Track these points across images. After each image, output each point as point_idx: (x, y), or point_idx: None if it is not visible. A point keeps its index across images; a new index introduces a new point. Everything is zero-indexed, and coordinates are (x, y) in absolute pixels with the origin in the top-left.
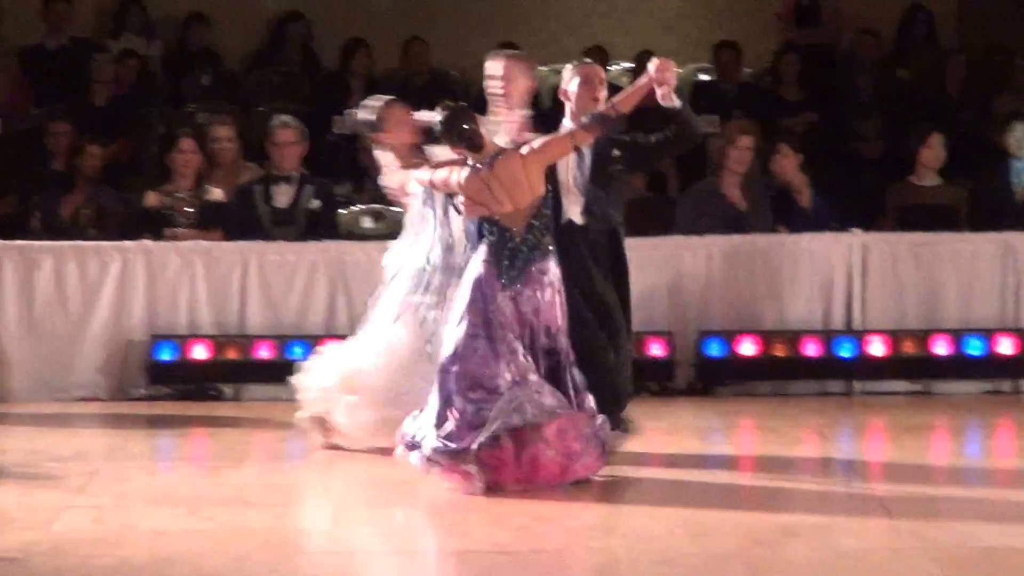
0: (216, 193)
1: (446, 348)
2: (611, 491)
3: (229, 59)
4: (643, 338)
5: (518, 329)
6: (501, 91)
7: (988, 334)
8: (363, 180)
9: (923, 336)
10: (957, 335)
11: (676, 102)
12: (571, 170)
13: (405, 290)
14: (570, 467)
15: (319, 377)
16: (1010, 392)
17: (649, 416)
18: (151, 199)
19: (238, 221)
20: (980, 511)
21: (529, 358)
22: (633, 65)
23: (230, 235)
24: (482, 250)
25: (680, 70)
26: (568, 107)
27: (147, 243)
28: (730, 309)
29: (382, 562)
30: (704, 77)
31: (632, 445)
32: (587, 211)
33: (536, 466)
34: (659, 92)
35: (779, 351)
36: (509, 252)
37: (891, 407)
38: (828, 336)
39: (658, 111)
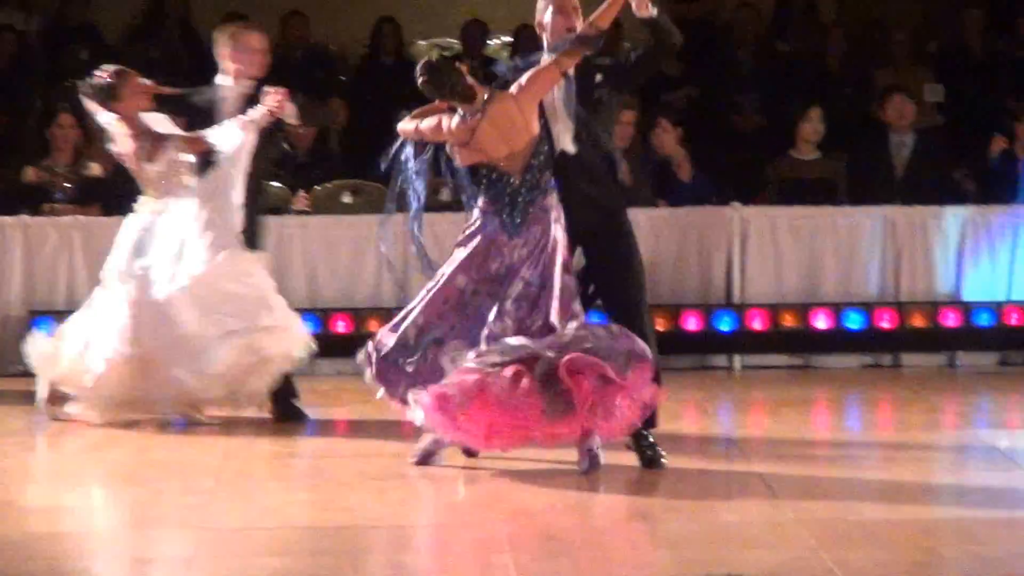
0: (95, 168)
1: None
2: (491, 465)
3: (108, 34)
4: None
5: (529, 272)
6: (577, 24)
7: (868, 308)
8: None
9: (803, 310)
10: (837, 309)
11: (652, 11)
12: (557, 99)
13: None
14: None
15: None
16: (890, 366)
17: None
18: (29, 174)
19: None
20: (857, 485)
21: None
22: (512, 39)
23: (109, 210)
24: (481, 201)
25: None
26: (544, 38)
27: (25, 218)
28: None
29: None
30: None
31: None
32: (577, 138)
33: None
34: (634, 2)
35: (659, 325)
36: (509, 197)
37: (771, 381)
38: (708, 310)
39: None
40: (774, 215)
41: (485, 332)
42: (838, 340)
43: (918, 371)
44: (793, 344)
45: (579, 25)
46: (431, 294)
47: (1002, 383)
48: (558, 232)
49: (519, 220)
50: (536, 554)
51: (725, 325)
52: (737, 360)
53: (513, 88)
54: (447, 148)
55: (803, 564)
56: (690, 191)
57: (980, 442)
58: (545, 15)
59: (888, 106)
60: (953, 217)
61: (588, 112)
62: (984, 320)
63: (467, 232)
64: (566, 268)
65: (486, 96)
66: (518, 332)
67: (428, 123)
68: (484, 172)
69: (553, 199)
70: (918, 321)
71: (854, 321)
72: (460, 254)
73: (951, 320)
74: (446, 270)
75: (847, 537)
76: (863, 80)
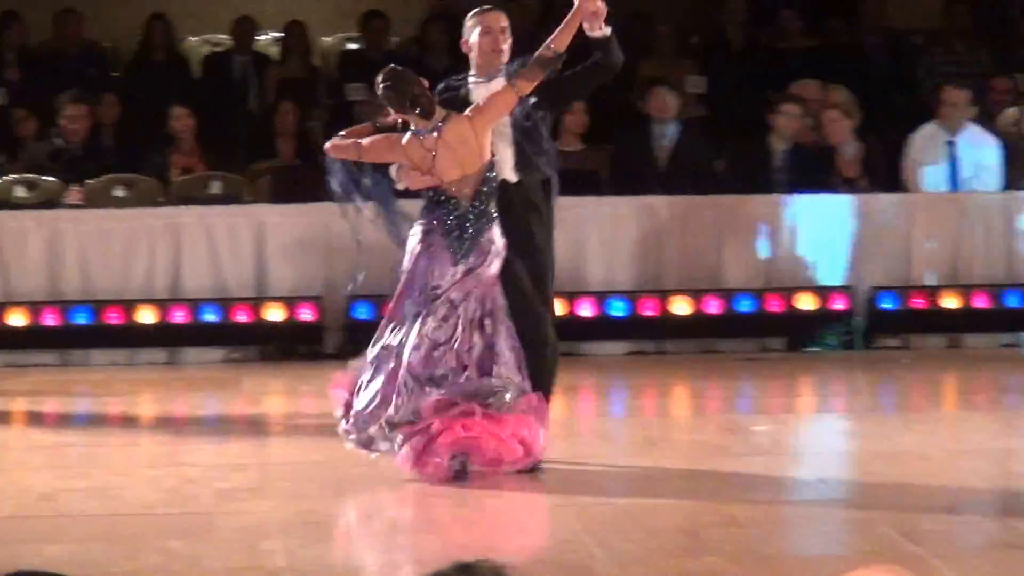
0: None
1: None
2: (260, 453)
3: None
4: (295, 303)
5: (469, 304)
6: (504, 46)
7: (631, 295)
8: (16, 150)
9: (568, 298)
10: (600, 297)
11: (606, 30)
12: (505, 124)
13: None
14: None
15: None
16: (653, 352)
17: (300, 379)
18: None
19: None
20: (622, 471)
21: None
22: (283, 35)
23: None
24: (425, 223)
25: (329, 39)
26: (472, 59)
27: None
28: (382, 273)
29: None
30: (352, 46)
31: (284, 407)
32: (517, 165)
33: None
34: (586, 25)
35: None
36: (457, 222)
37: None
38: None
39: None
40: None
41: (407, 362)
42: (600, 327)
43: (681, 358)
44: (558, 331)
45: (506, 47)
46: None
47: (762, 369)
48: (496, 267)
49: (467, 248)
50: (304, 540)
51: None
52: None
53: (468, 110)
54: (392, 171)
55: (567, 548)
56: None
57: (741, 427)
58: (472, 35)
59: (650, 98)
60: (715, 207)
61: (523, 135)
62: (745, 306)
63: (411, 255)
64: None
65: (443, 116)
66: (429, 361)
67: (373, 141)
68: (430, 194)
69: (497, 230)
70: (681, 309)
71: (617, 309)
72: (403, 279)
73: (713, 307)
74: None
75: (611, 521)
76: (627, 72)
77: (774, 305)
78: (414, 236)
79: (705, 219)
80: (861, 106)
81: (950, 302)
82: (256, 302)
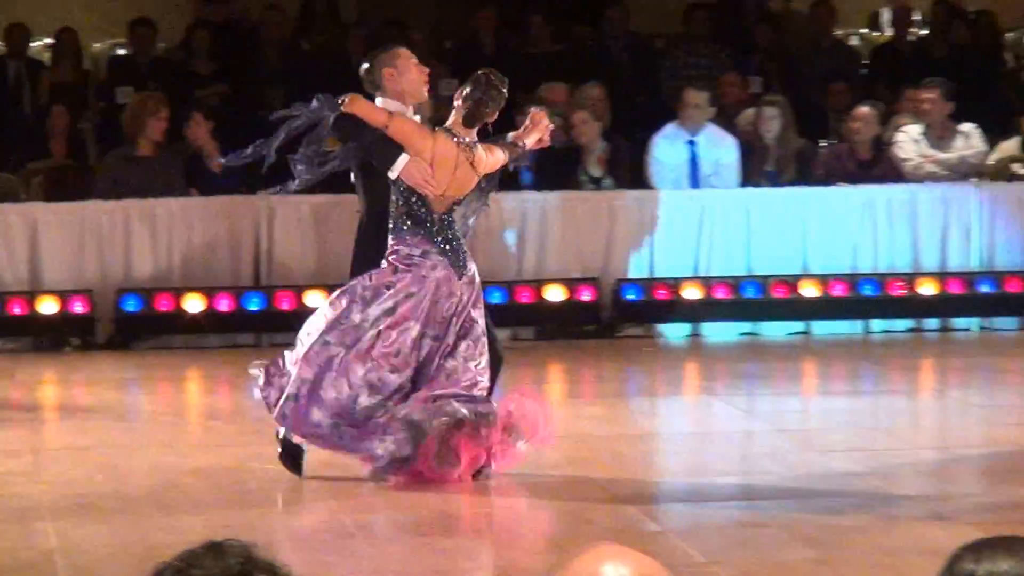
0: None
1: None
2: (33, 439)
3: None
4: (68, 296)
5: (476, 312)
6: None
7: None
8: None
9: (329, 291)
10: None
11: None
12: None
13: None
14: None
15: None
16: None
17: (73, 369)
18: None
19: None
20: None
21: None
22: (54, 41)
23: None
24: (410, 239)
25: (99, 45)
26: (402, 90)
27: None
28: (147, 267)
29: None
30: (121, 52)
31: (57, 395)
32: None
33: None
34: (533, 138)
35: (193, 307)
36: (439, 232)
37: None
38: (239, 292)
39: None
40: (298, 202)
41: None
42: None
43: None
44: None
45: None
46: (378, 349)
47: (512, 357)
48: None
49: (463, 257)
50: (74, 521)
51: (254, 305)
52: (265, 338)
53: (481, 150)
54: (399, 161)
55: (327, 527)
56: (221, 181)
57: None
58: (407, 68)
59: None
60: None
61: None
62: (497, 298)
63: (403, 275)
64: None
65: (474, 136)
66: (457, 373)
67: (405, 120)
68: (414, 200)
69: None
70: None
71: None
72: (403, 303)
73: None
74: (386, 321)
75: (368, 503)
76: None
77: (524, 296)
78: (408, 263)
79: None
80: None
81: (691, 293)
82: (30, 295)
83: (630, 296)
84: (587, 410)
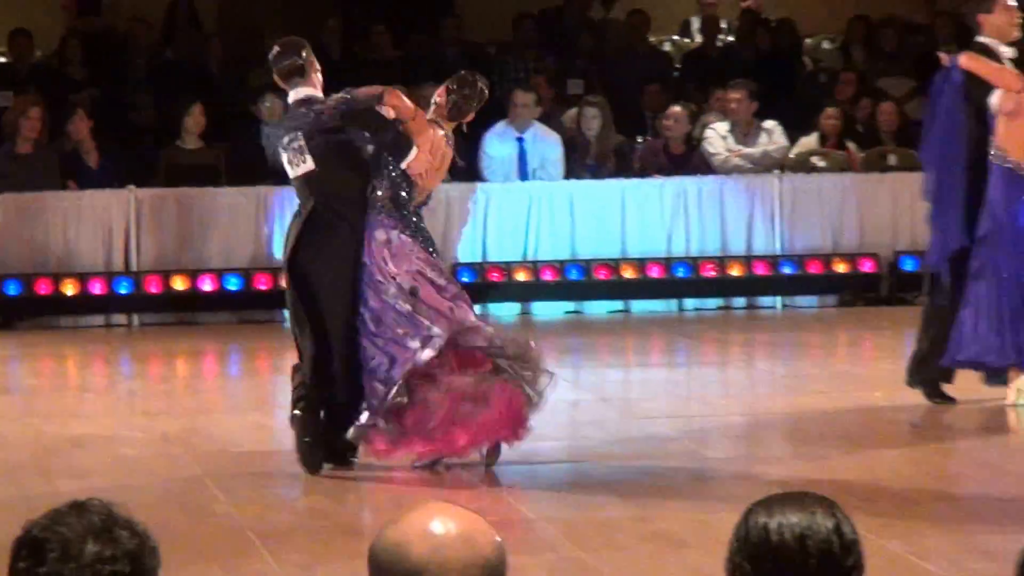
0: None
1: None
2: None
3: None
4: None
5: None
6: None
7: (246, 273)
8: None
9: (191, 275)
10: (220, 274)
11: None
12: None
13: None
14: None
15: None
16: (264, 321)
17: None
18: None
19: None
20: (243, 423)
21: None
22: None
23: None
24: (384, 218)
25: None
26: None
27: None
28: (27, 253)
29: None
30: (1, 60)
31: None
32: None
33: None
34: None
35: (70, 289)
36: (411, 218)
37: (164, 336)
38: (110, 276)
39: None
40: (163, 196)
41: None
42: (220, 300)
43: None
44: (182, 304)
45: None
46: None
47: None
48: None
49: (432, 242)
50: None
51: (124, 288)
52: (135, 318)
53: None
54: (407, 151)
55: (190, 488)
56: (98, 176)
57: None
58: None
59: (260, 103)
60: None
61: None
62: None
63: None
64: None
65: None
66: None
67: (425, 119)
68: (404, 188)
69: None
70: (261, 284)
71: (233, 284)
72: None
73: None
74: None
75: (230, 468)
76: (240, 80)
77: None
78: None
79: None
80: None
81: (521, 275)
82: None
83: (464, 279)
84: None
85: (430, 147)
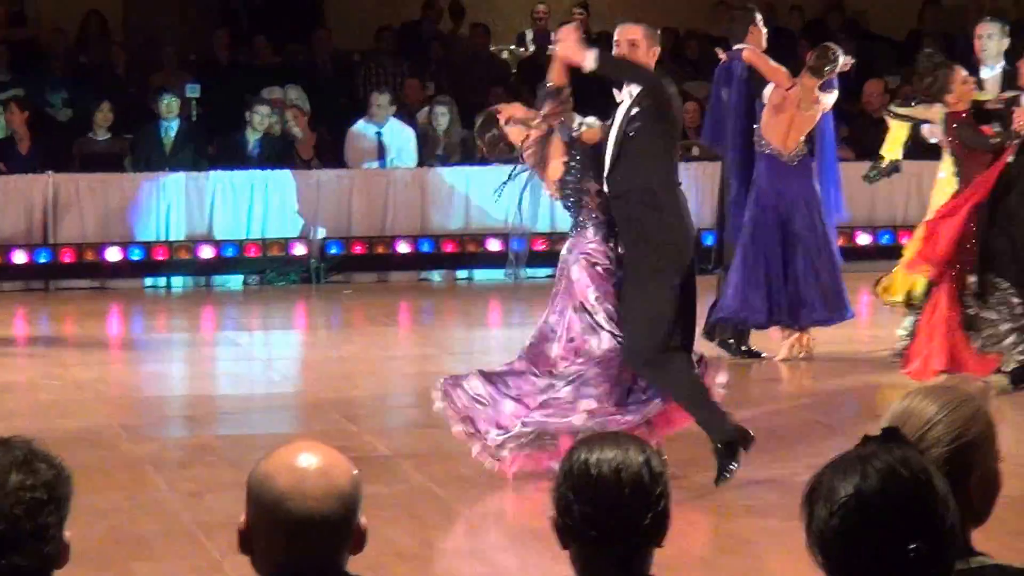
0: None
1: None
2: None
3: None
4: None
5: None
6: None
7: (147, 245)
8: None
9: (100, 247)
10: (125, 246)
11: (589, 60)
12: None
13: None
14: None
15: None
16: (161, 287)
17: None
18: None
19: None
20: (139, 372)
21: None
22: None
23: None
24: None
25: None
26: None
27: None
28: None
29: None
30: None
31: None
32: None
33: None
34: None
35: None
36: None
37: (76, 299)
38: (31, 248)
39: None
40: (78, 179)
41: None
42: (126, 268)
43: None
44: (93, 272)
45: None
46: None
47: (245, 297)
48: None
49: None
50: None
51: (44, 258)
52: (52, 284)
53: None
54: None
55: (98, 428)
56: (28, 162)
57: (228, 340)
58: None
59: (159, 101)
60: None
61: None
62: (231, 251)
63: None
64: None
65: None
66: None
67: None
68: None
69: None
70: (207, 253)
71: (136, 254)
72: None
73: (207, 252)
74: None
75: (132, 411)
76: (142, 82)
77: (252, 251)
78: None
79: (200, 186)
80: (315, 106)
81: (379, 248)
82: None
83: (333, 251)
84: (300, 338)
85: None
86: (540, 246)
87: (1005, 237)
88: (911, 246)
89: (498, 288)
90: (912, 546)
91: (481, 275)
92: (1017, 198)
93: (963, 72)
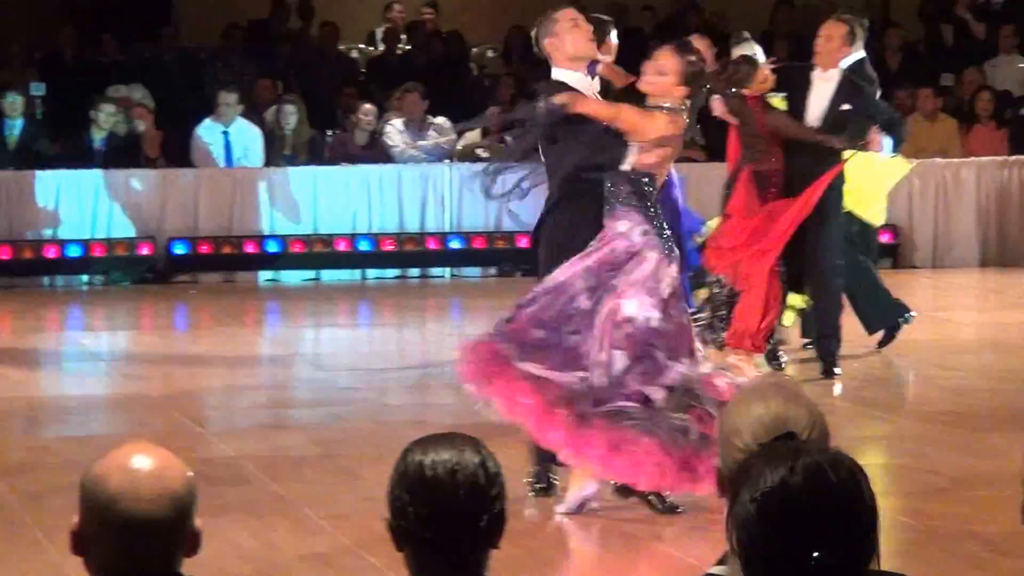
0: None
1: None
2: None
3: None
4: None
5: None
6: None
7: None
8: None
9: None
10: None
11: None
12: None
13: None
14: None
15: None
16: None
17: None
18: None
19: None
20: None
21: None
22: None
23: None
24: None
25: None
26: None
27: None
28: None
29: None
30: None
31: None
32: None
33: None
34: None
35: None
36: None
37: None
38: None
39: None
40: None
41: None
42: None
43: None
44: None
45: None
46: None
47: (93, 297)
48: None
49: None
50: None
51: None
52: None
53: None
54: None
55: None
56: None
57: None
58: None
59: (3, 100)
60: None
61: None
62: (74, 251)
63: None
64: None
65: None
66: None
67: (637, 109)
68: (644, 179)
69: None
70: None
71: (75, 251)
72: None
73: (52, 252)
74: None
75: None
76: None
77: (98, 251)
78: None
79: (45, 185)
80: (162, 105)
81: (226, 248)
82: None
83: (179, 251)
84: (147, 339)
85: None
86: (389, 246)
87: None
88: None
89: (346, 288)
90: (815, 554)
91: (329, 275)
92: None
93: (767, 72)
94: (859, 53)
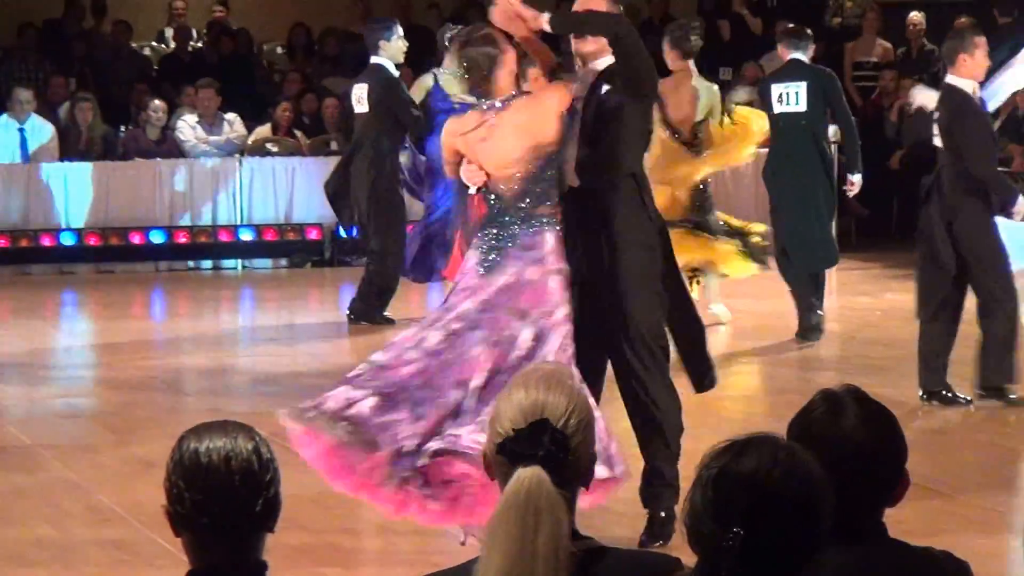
0: None
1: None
2: None
3: None
4: None
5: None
6: None
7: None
8: None
9: None
10: None
11: (542, 22)
12: None
13: None
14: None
15: None
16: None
17: None
18: None
19: None
20: None
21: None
22: None
23: None
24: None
25: None
26: None
27: None
28: None
29: None
30: None
31: None
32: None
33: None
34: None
35: None
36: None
37: None
38: None
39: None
40: None
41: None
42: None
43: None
44: None
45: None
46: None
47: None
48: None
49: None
50: None
51: None
52: None
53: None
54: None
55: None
56: None
57: None
58: None
59: None
60: None
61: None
62: None
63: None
64: None
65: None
66: None
67: None
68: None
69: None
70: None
71: None
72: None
73: None
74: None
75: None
76: None
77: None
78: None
79: None
80: None
81: (23, 242)
82: None
83: None
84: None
85: None
86: (182, 238)
87: None
88: None
89: (140, 280)
90: (735, 530)
91: (124, 267)
92: None
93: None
94: None
